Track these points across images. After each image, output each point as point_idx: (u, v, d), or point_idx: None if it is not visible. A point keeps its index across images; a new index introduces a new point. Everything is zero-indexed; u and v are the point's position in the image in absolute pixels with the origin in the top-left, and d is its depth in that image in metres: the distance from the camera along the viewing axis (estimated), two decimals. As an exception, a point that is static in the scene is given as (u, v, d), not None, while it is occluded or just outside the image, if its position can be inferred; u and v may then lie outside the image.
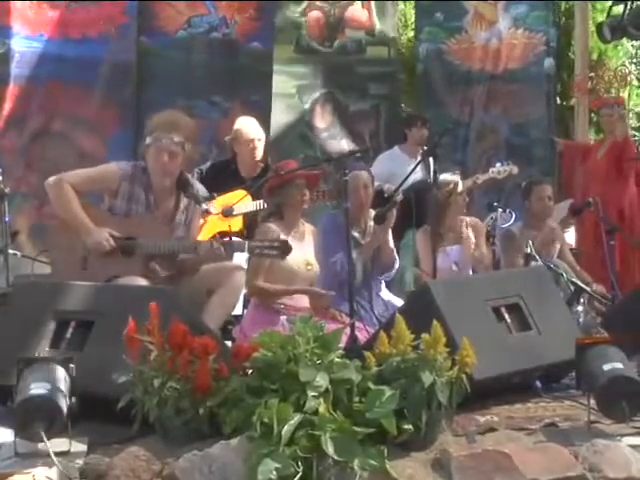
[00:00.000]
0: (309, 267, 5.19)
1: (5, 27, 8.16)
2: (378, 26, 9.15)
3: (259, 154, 6.35)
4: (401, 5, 10.51)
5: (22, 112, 8.15)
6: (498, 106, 9.02)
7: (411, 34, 10.29)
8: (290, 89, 9.02)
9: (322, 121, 9.01)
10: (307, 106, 9.00)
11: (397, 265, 5.85)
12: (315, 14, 9.10)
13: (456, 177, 6.45)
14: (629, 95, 9.68)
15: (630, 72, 9.83)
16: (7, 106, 8.11)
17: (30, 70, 8.19)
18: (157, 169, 4.86)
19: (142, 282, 4.60)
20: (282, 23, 9.05)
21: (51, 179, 4.89)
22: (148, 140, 4.89)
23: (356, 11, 9.20)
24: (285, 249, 4.76)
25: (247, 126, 6.47)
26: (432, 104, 9.11)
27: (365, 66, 9.17)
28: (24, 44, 8.19)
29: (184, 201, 4.97)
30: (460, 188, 6.31)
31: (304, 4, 9.09)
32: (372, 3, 9.16)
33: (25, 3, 8.19)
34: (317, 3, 9.10)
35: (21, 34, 8.18)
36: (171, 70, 8.54)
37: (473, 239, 6.20)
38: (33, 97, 8.18)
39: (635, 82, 10.33)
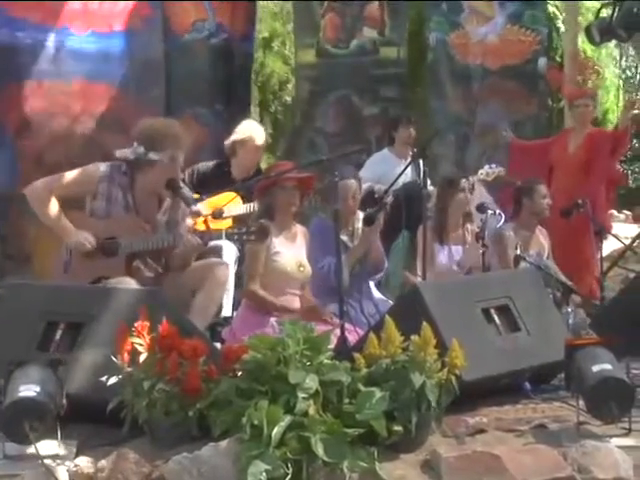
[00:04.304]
0: (302, 268, 5.18)
1: (20, 19, 7.54)
2: (389, 26, 9.03)
3: (260, 159, 6.37)
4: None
5: (44, 111, 7.63)
6: (497, 103, 8.94)
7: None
8: (303, 94, 8.98)
9: (334, 126, 8.94)
10: (318, 110, 8.94)
11: (386, 266, 5.86)
12: (330, 16, 8.99)
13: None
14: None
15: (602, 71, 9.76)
16: (29, 104, 7.57)
17: (52, 65, 7.66)
18: (161, 183, 4.87)
19: (131, 282, 4.60)
20: (305, 26, 8.97)
21: (30, 186, 4.89)
22: (155, 157, 4.80)
23: (373, 9, 8.99)
24: (263, 232, 4.74)
25: (257, 133, 6.48)
26: (438, 96, 9.02)
27: (378, 68, 9.02)
28: (46, 37, 7.64)
29: (167, 202, 4.95)
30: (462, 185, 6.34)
31: (324, 5, 8.98)
32: (384, 2, 8.97)
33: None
34: (333, 4, 8.96)
35: (45, 26, 7.62)
36: (178, 75, 8.21)
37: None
38: (56, 95, 7.66)
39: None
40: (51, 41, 7.68)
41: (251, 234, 4.72)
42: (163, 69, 8.02)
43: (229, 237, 4.78)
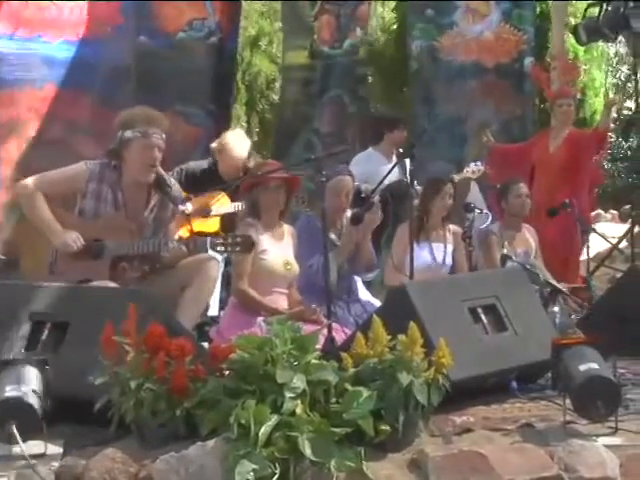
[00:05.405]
0: (288, 267, 5.17)
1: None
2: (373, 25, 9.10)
3: (242, 165, 6.31)
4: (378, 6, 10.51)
5: (20, 118, 7.82)
6: (491, 101, 8.94)
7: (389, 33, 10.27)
8: (298, 95, 8.98)
9: (328, 126, 8.94)
10: (314, 111, 8.93)
11: (377, 265, 5.86)
12: (325, 17, 9.00)
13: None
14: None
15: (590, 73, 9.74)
16: (8, 110, 7.76)
17: (26, 73, 7.86)
18: (145, 165, 4.80)
19: (111, 286, 4.58)
20: (295, 27, 8.98)
21: (19, 183, 4.87)
22: (129, 134, 4.77)
23: (365, 10, 9.12)
24: (248, 244, 4.71)
25: (235, 144, 6.41)
26: (427, 102, 9.05)
27: (362, 66, 9.17)
28: (19, 46, 7.85)
29: (154, 199, 4.93)
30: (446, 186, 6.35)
31: (316, 7, 9.00)
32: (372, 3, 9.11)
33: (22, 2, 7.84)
34: (326, 6, 9.00)
35: (16, 35, 7.85)
36: (169, 73, 8.27)
37: (451, 246, 6.26)
38: (31, 102, 7.85)
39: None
40: (26, 49, 7.85)
41: (236, 245, 4.71)
42: (133, 74, 8.15)
43: (213, 247, 4.76)
